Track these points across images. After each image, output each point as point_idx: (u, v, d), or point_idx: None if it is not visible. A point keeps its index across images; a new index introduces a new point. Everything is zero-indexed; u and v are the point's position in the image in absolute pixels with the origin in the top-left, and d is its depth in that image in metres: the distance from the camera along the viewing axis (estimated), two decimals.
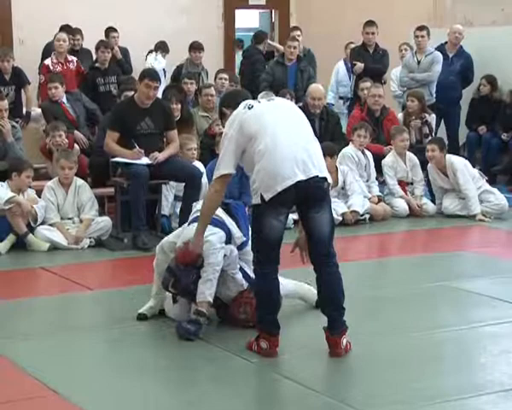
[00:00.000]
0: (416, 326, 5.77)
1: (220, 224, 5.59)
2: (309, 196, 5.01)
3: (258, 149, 4.96)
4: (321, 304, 5.30)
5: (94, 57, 12.08)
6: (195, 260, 5.51)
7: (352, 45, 12.66)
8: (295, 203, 5.09)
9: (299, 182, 4.93)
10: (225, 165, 5.10)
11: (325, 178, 5.07)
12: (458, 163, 9.79)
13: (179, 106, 9.62)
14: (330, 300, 5.17)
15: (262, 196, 4.94)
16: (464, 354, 5.45)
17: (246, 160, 5.09)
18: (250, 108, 5.09)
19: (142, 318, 5.90)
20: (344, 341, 5.15)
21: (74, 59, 11.17)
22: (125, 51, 12.37)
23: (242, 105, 5.14)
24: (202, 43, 11.81)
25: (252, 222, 5.17)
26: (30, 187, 8.52)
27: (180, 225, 8.57)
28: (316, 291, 5.49)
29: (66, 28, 11.81)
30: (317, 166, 5.05)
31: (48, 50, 11.58)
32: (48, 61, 10.94)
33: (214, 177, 5.17)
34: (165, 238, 6.08)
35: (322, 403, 4.60)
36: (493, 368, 5.12)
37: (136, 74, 10.98)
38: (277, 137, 4.98)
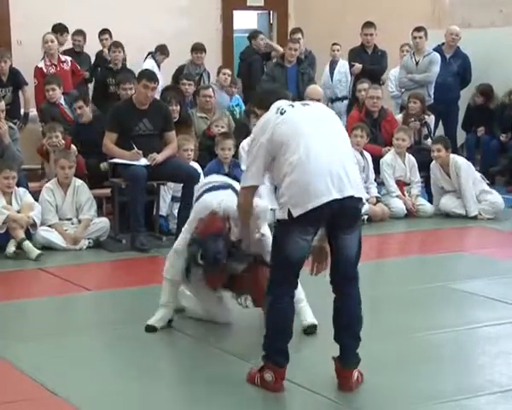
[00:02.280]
0: (414, 327, 5.77)
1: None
2: (342, 216, 4.54)
3: (289, 159, 4.51)
4: (336, 330, 4.74)
5: (92, 60, 12.09)
6: (221, 228, 5.25)
7: (338, 47, 12.68)
8: (326, 223, 4.61)
9: (333, 201, 4.47)
10: (253, 175, 4.67)
11: (361, 199, 4.64)
12: (462, 163, 9.85)
13: (178, 107, 9.63)
14: (348, 326, 4.69)
15: (289, 212, 4.47)
16: (463, 355, 5.45)
17: (275, 169, 4.63)
18: (283, 112, 4.62)
19: (151, 330, 5.64)
20: (355, 374, 4.71)
21: (68, 59, 11.11)
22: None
23: (274, 108, 4.67)
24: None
25: (273, 238, 4.72)
26: (26, 187, 8.54)
27: (178, 226, 8.60)
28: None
29: (59, 27, 11.75)
30: (354, 185, 4.57)
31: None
32: (41, 64, 10.89)
33: (243, 185, 4.78)
34: (176, 243, 5.71)
35: (318, 403, 4.59)
36: (492, 369, 5.12)
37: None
38: (312, 149, 4.52)
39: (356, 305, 4.71)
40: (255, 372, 4.76)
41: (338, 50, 12.66)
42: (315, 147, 4.54)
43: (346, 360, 4.71)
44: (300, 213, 4.45)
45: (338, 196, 4.49)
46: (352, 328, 4.70)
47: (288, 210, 4.47)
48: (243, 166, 9.33)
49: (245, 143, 9.43)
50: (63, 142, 8.90)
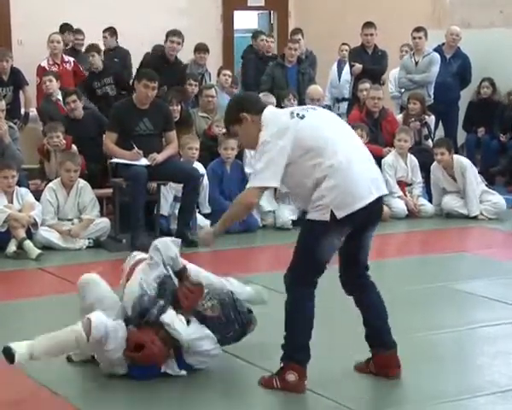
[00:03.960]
0: (414, 327, 5.77)
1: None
2: (374, 215, 4.72)
3: (327, 163, 4.53)
4: (371, 321, 4.87)
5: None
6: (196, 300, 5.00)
7: (346, 47, 12.70)
8: (363, 223, 4.69)
9: (373, 201, 4.63)
10: (274, 177, 4.59)
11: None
12: (467, 164, 9.90)
13: (179, 107, 9.63)
14: (383, 311, 4.87)
15: (333, 214, 4.52)
16: (463, 355, 5.45)
17: (291, 172, 4.61)
18: (302, 117, 4.65)
19: (69, 360, 5.14)
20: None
21: (71, 59, 11.13)
22: (125, 54, 12.30)
23: (288, 114, 4.70)
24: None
25: (306, 237, 4.67)
26: (27, 186, 8.55)
27: (178, 226, 8.62)
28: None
29: (66, 27, 11.79)
30: (384, 183, 4.85)
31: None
32: (44, 63, 10.91)
33: (255, 185, 4.67)
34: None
35: (318, 403, 4.60)
36: (491, 369, 5.13)
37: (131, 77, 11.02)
38: (350, 152, 4.63)
39: (377, 291, 4.89)
40: (271, 378, 4.75)
41: (347, 50, 12.63)
42: (351, 151, 4.65)
43: (390, 341, 4.85)
44: (346, 214, 4.53)
45: (377, 196, 4.66)
46: (385, 312, 4.86)
47: (332, 212, 4.52)
48: (247, 169, 9.36)
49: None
50: (64, 142, 8.90)
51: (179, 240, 5.14)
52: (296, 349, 4.69)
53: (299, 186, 4.65)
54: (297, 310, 4.66)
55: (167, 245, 5.04)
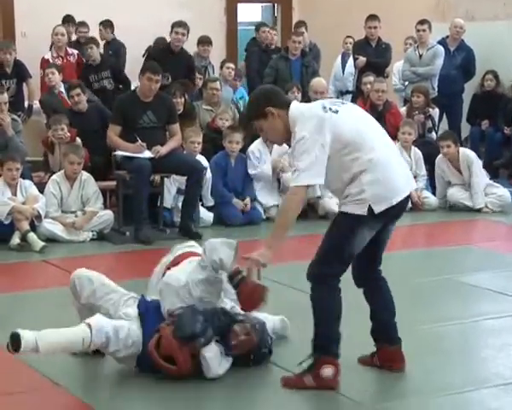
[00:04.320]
0: (419, 320, 5.76)
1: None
2: (402, 210, 4.72)
3: (366, 157, 4.51)
4: (378, 314, 4.87)
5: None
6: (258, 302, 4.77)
7: (350, 40, 12.68)
8: (392, 217, 4.68)
9: (406, 195, 4.67)
10: (319, 173, 4.50)
11: None
12: (473, 156, 9.91)
13: (182, 100, 9.62)
14: (391, 305, 4.87)
15: (370, 208, 4.50)
16: (467, 348, 5.44)
17: (329, 166, 4.53)
18: (335, 112, 4.59)
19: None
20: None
21: (75, 52, 11.12)
22: (119, 46, 12.16)
23: (320, 108, 4.60)
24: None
25: (339, 230, 4.60)
26: (31, 179, 8.56)
27: (182, 219, 8.62)
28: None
29: (68, 19, 11.76)
30: (413, 179, 4.98)
31: None
32: (48, 55, 10.90)
33: (299, 183, 4.52)
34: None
35: (322, 395, 4.58)
36: (495, 362, 5.12)
37: (132, 70, 10.96)
38: (385, 147, 4.68)
39: (388, 286, 4.88)
40: (300, 377, 4.64)
41: (351, 43, 12.59)
42: (384, 145, 4.69)
43: (394, 338, 4.85)
44: (384, 208, 4.52)
45: (410, 189, 4.73)
46: (393, 307, 4.85)
47: (369, 206, 4.49)
48: (251, 171, 9.34)
49: (254, 148, 9.41)
50: (69, 134, 8.90)
51: (234, 242, 4.82)
52: (332, 342, 4.61)
53: (335, 180, 4.59)
54: (329, 303, 4.60)
55: (214, 248, 4.77)
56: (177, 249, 5.23)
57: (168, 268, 4.93)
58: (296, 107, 4.69)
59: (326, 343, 4.60)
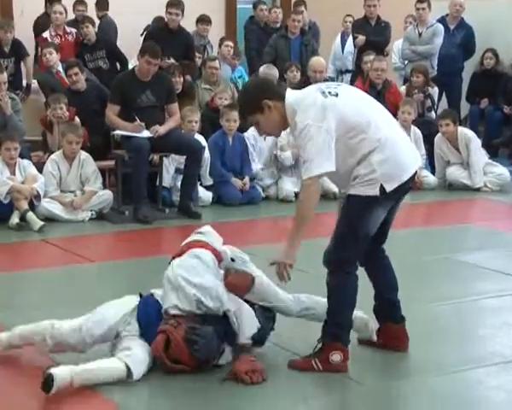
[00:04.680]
0: (417, 299, 5.76)
1: None
2: (409, 187, 4.65)
3: (372, 138, 4.42)
4: (383, 293, 4.82)
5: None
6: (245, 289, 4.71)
7: (350, 19, 12.63)
8: (401, 195, 4.64)
9: (414, 172, 4.62)
10: (329, 160, 4.37)
11: None
12: (472, 135, 9.91)
13: (181, 79, 9.60)
14: (395, 283, 4.82)
15: (382, 187, 4.43)
16: (466, 327, 5.46)
17: (342, 150, 4.44)
18: (336, 95, 4.48)
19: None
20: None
21: (74, 30, 11.05)
22: (109, 24, 11.98)
23: (319, 93, 4.48)
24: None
25: (353, 213, 4.51)
26: (30, 158, 8.55)
27: (181, 198, 8.62)
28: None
29: None
30: (419, 156, 4.90)
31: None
32: (46, 34, 10.85)
33: (311, 174, 4.38)
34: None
35: (323, 375, 4.58)
36: (494, 340, 5.13)
37: (129, 49, 10.90)
38: (390, 126, 4.59)
39: (391, 265, 4.87)
40: (308, 360, 4.59)
41: (350, 22, 12.54)
42: (389, 124, 4.60)
43: (398, 316, 4.84)
44: (396, 186, 4.47)
45: (418, 165, 4.68)
46: (397, 286, 4.83)
47: (381, 185, 4.44)
48: (255, 165, 9.32)
49: (249, 135, 9.38)
50: (68, 113, 8.88)
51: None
52: (343, 329, 4.58)
53: (341, 165, 4.45)
54: (345, 290, 4.56)
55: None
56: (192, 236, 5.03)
57: (173, 258, 4.89)
58: (292, 95, 4.57)
59: (338, 332, 4.57)
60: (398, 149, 4.53)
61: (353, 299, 4.60)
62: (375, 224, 4.56)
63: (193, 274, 4.63)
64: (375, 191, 4.45)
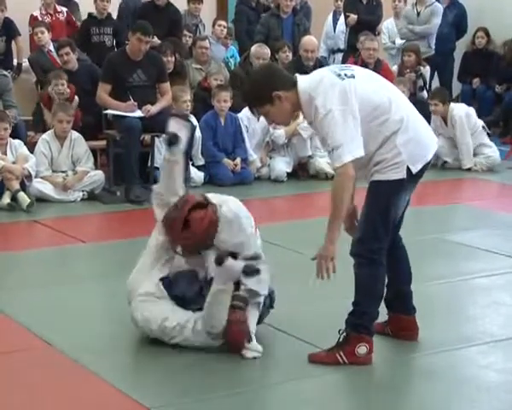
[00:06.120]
0: None
1: None
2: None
3: (395, 118, 4.27)
4: (397, 283, 4.68)
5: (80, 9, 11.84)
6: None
7: None
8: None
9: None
10: (358, 144, 4.20)
11: None
12: (458, 116, 9.78)
13: (173, 58, 9.58)
14: (409, 274, 4.72)
15: (409, 169, 4.30)
16: (456, 306, 5.49)
17: (365, 132, 4.29)
18: (352, 76, 4.30)
19: None
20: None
21: (64, 9, 10.99)
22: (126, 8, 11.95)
23: (335, 76, 4.30)
24: None
25: (381, 200, 4.36)
26: (26, 137, 8.53)
27: None
28: None
29: None
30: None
31: None
32: (36, 13, 10.80)
33: (346, 160, 4.18)
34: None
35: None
36: (484, 319, 5.17)
37: None
38: (408, 104, 4.46)
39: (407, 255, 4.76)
40: (332, 350, 4.45)
41: (342, 1, 12.53)
42: (405, 103, 4.46)
43: (411, 307, 4.75)
44: (421, 166, 4.35)
45: (437, 143, 4.57)
46: (411, 276, 4.74)
47: (408, 168, 4.31)
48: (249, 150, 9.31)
49: (243, 115, 9.35)
50: (69, 90, 8.87)
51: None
52: (370, 321, 4.47)
53: (380, 141, 4.31)
54: (377, 281, 4.45)
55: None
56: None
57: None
58: (305, 81, 4.35)
59: (364, 323, 4.45)
60: (419, 127, 4.41)
61: (382, 290, 4.52)
62: (401, 209, 4.47)
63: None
64: (403, 174, 4.30)
